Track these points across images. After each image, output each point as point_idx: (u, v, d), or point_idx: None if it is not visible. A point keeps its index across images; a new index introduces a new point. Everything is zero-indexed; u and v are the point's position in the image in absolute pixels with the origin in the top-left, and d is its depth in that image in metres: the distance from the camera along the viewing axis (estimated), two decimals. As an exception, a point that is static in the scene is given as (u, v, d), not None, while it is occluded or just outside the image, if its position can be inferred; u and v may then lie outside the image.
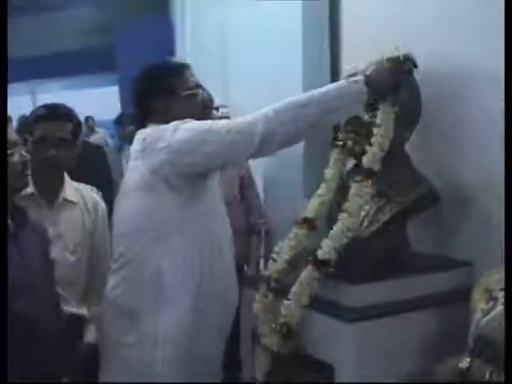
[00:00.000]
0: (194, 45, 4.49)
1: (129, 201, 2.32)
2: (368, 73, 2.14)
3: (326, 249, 2.12)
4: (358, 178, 2.18)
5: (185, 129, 2.18)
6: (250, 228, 3.64)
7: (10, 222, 2.12)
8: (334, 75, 3.07)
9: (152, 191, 2.24)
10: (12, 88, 7.68)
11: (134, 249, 2.26)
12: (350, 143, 2.34)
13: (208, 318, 2.27)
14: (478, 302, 1.83)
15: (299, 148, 3.13)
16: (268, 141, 2.10)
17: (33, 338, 2.02)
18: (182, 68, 2.47)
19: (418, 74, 2.33)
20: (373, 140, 2.18)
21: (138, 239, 2.26)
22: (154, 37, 4.65)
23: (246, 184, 3.67)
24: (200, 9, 4.30)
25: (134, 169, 2.30)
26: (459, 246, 2.44)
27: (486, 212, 2.27)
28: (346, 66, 2.92)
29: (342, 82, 2.16)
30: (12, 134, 2.09)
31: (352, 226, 2.13)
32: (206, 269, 2.24)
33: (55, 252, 2.53)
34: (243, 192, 3.66)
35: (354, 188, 2.17)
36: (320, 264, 2.12)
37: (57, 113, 2.57)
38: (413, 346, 2.13)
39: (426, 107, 2.38)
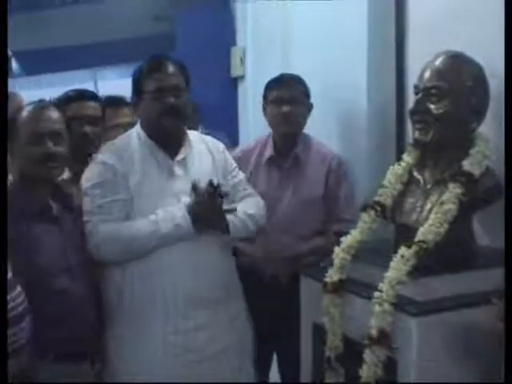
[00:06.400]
0: (256, 39, 4.41)
1: None
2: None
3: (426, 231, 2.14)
4: (456, 181, 2.19)
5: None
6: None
7: (53, 204, 2.31)
8: (399, 74, 3.05)
9: None
10: (76, 75, 7.73)
11: None
12: (417, 134, 2.31)
13: None
14: None
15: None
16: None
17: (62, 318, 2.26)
18: (156, 68, 2.57)
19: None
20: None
21: None
22: (214, 27, 4.65)
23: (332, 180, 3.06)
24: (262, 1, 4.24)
25: None
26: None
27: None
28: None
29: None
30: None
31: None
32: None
33: None
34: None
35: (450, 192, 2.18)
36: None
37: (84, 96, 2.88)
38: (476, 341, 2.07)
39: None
